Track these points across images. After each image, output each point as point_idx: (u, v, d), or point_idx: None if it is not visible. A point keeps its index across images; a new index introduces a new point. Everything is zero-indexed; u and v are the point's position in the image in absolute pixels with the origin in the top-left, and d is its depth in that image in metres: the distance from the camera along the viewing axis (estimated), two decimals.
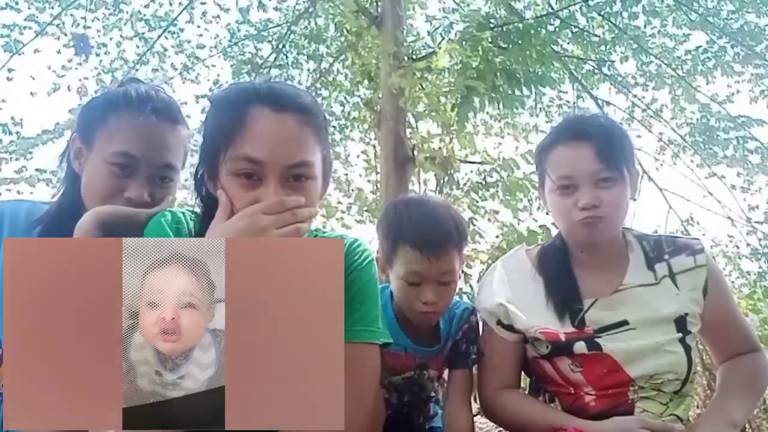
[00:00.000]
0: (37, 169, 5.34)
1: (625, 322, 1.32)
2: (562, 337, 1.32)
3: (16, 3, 5.51)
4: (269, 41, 6.54)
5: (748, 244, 5.77)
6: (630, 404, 1.29)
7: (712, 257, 1.42)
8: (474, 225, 3.99)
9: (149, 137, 1.22)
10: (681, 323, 1.32)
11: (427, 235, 1.27)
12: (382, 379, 1.15)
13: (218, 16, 6.44)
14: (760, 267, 5.69)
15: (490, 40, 4.01)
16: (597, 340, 1.31)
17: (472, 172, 5.03)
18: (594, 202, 1.28)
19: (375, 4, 5.08)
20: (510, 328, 1.38)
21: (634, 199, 1.37)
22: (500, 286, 1.42)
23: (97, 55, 6.03)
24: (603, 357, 1.30)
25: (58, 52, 5.87)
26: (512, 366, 1.42)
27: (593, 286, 1.36)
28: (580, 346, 1.31)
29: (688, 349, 1.31)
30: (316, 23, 6.29)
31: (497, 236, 4.17)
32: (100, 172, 1.21)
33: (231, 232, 0.92)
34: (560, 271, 1.38)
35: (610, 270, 1.37)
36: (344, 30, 5.53)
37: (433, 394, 1.48)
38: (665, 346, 1.29)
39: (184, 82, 6.37)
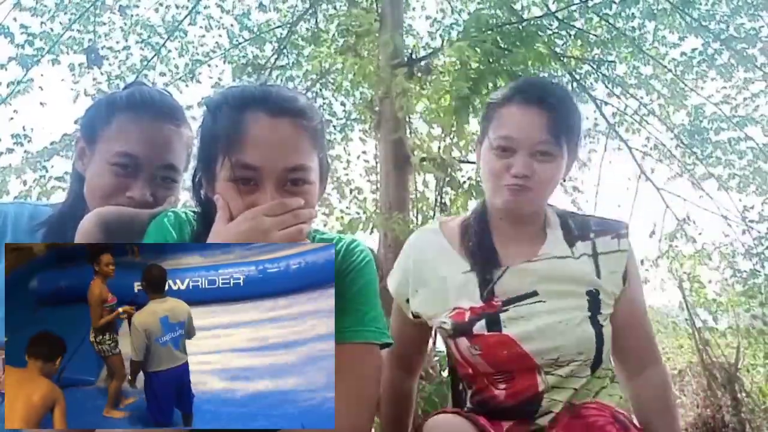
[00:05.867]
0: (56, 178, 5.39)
1: (534, 293, 1.25)
2: (466, 317, 1.26)
3: (32, 37, 5.61)
4: (270, 42, 6.56)
5: (743, 244, 5.78)
6: (540, 395, 1.23)
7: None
8: None
9: (151, 137, 1.22)
10: (593, 299, 1.25)
11: None
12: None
13: (221, 18, 6.47)
14: (752, 265, 5.70)
15: (490, 41, 4.00)
16: (501, 314, 1.24)
17: (472, 170, 5.03)
18: (526, 171, 1.22)
19: (375, 5, 5.08)
20: (416, 315, 1.36)
21: (564, 180, 1.32)
22: (406, 273, 1.36)
23: (107, 62, 6.08)
24: (502, 338, 1.23)
25: (78, 65, 5.97)
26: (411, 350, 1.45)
27: (507, 256, 1.30)
28: (480, 326, 1.24)
29: (599, 329, 1.24)
30: (317, 24, 6.30)
31: None
32: (102, 172, 1.21)
33: (234, 235, 0.92)
34: (480, 241, 1.32)
35: (528, 242, 1.31)
36: (344, 31, 5.53)
37: None
38: (572, 323, 1.22)
39: (188, 86, 6.39)
